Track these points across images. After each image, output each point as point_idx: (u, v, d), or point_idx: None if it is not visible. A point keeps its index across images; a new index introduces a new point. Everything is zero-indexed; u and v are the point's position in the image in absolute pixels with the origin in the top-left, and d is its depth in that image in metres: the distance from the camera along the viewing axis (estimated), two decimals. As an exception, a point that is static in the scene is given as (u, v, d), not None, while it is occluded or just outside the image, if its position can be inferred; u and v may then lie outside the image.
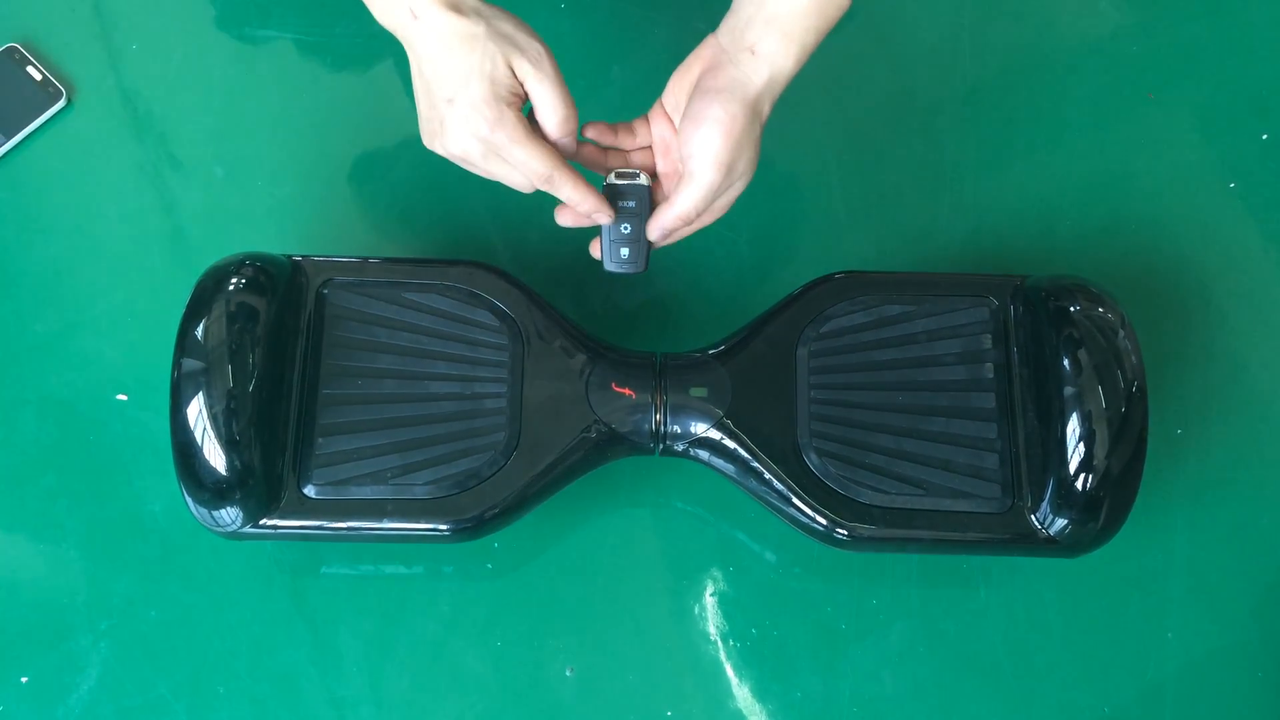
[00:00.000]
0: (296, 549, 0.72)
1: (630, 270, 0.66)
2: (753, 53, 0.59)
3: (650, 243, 0.65)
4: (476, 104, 0.57)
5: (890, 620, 0.71)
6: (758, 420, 0.66)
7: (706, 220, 0.64)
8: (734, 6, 0.61)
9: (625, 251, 0.65)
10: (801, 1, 0.58)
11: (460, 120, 0.58)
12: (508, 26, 0.58)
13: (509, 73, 0.57)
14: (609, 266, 0.66)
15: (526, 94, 0.59)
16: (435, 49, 0.57)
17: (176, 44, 0.82)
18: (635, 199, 0.64)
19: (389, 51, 0.83)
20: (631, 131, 0.65)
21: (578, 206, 0.62)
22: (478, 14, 0.57)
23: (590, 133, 0.65)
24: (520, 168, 0.59)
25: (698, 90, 0.61)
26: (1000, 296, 0.68)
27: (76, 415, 0.74)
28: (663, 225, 0.63)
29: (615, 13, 0.83)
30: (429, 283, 0.68)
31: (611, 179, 0.64)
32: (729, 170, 0.60)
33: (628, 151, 0.66)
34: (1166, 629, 0.71)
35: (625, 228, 0.65)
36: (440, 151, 0.61)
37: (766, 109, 0.60)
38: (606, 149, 0.65)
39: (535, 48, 0.58)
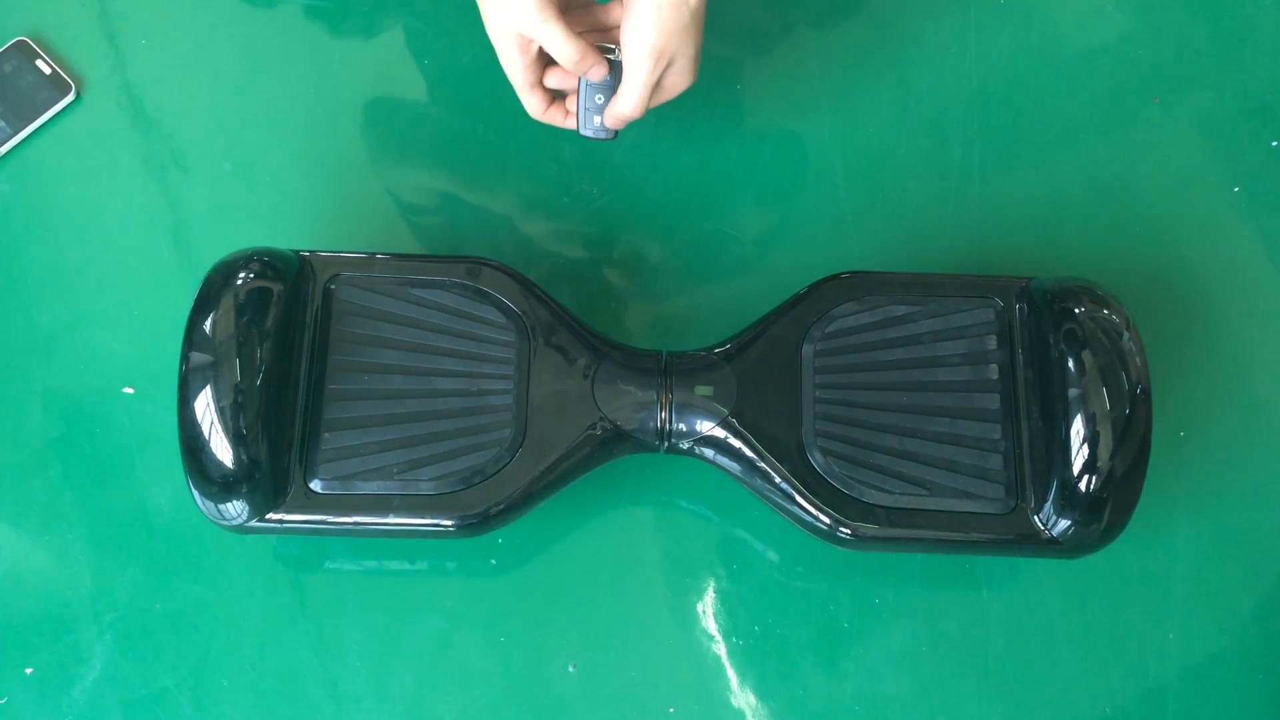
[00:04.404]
0: (301, 543, 0.72)
1: (603, 137, 0.72)
2: None
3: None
4: (497, 51, 0.69)
5: (893, 619, 0.71)
6: (763, 419, 0.66)
7: (655, 103, 0.70)
8: None
9: (598, 120, 0.71)
10: None
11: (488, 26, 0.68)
12: None
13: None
14: (583, 132, 0.71)
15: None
16: None
17: (185, 38, 0.82)
18: (612, 73, 0.68)
19: (399, 48, 0.83)
20: (608, 11, 0.70)
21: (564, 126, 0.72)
22: None
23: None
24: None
25: None
26: (1005, 298, 0.68)
27: (83, 408, 0.74)
28: (616, 116, 0.70)
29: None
30: (436, 279, 0.68)
31: None
32: (659, 57, 0.65)
33: (609, 29, 0.70)
34: (1168, 631, 0.72)
35: (599, 98, 0.70)
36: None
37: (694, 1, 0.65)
38: (582, 33, 0.70)
39: (529, 12, 0.64)
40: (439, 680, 0.70)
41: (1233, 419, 0.76)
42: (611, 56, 0.68)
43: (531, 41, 0.67)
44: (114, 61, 0.82)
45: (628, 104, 0.68)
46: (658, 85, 0.68)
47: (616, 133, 0.72)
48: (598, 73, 0.68)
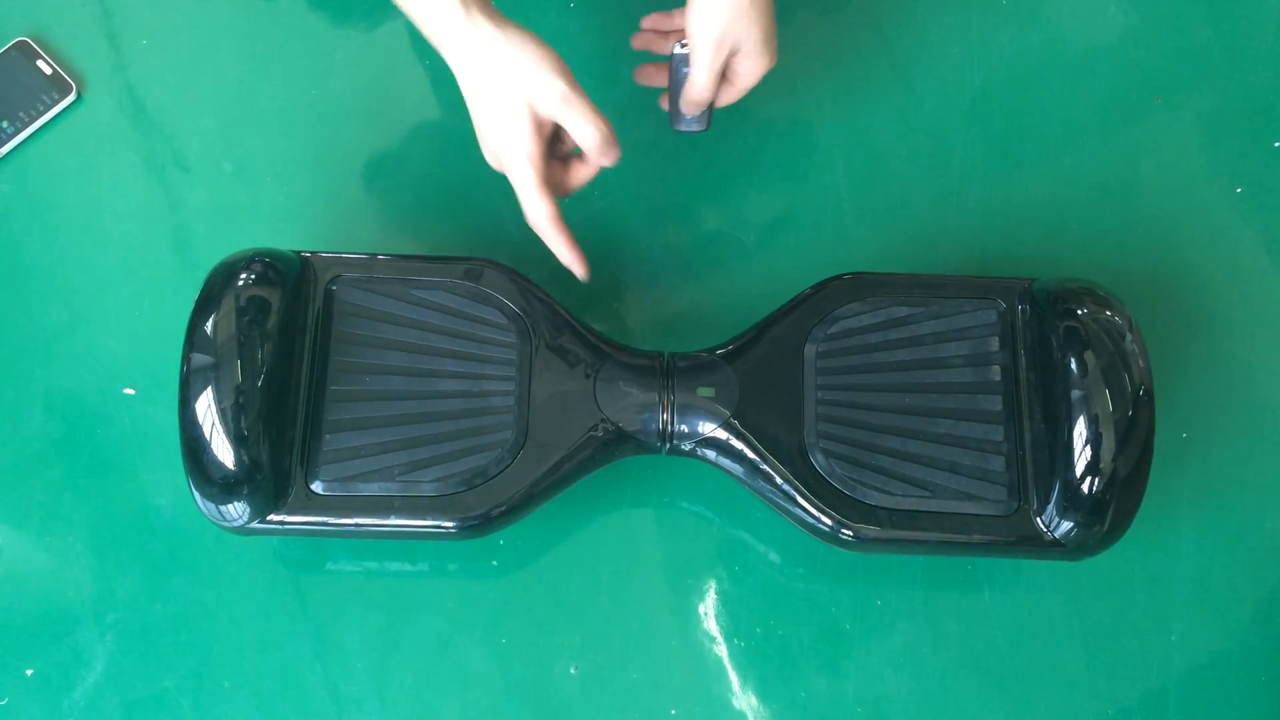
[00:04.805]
0: (302, 545, 0.72)
1: (695, 129, 0.73)
2: None
3: (711, 106, 0.71)
4: (498, 144, 0.64)
5: (894, 621, 0.71)
6: (765, 421, 0.66)
7: (738, 91, 0.70)
8: None
9: (687, 115, 0.72)
10: None
11: (485, 147, 0.66)
12: (525, 62, 0.62)
13: (533, 112, 0.63)
14: (676, 127, 0.73)
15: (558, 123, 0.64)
16: (468, 69, 0.62)
17: (186, 39, 0.82)
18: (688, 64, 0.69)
19: (401, 48, 0.83)
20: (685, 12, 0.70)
21: (559, 259, 0.68)
22: (501, 45, 0.61)
23: (647, 24, 0.76)
24: (522, 205, 0.66)
25: None
26: (1008, 299, 0.68)
27: (83, 409, 0.74)
28: (689, 102, 0.70)
29: (623, 13, 0.83)
30: (437, 280, 0.68)
31: (676, 49, 0.71)
32: (720, 44, 0.65)
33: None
34: (1170, 632, 0.71)
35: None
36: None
37: None
38: (667, 32, 0.74)
39: (555, 84, 0.62)
40: (440, 682, 0.70)
41: (1235, 420, 0.76)
42: (682, 50, 0.69)
43: (547, 124, 0.63)
44: (115, 62, 0.82)
45: (695, 88, 0.68)
46: (734, 73, 0.68)
47: (709, 122, 0.72)
48: (612, 157, 0.65)
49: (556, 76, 0.61)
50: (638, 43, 0.76)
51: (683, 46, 0.70)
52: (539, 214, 0.65)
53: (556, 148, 0.68)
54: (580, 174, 0.68)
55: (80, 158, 0.79)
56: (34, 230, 0.78)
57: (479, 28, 0.61)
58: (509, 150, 0.63)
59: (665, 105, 0.74)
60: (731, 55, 0.67)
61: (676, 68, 0.71)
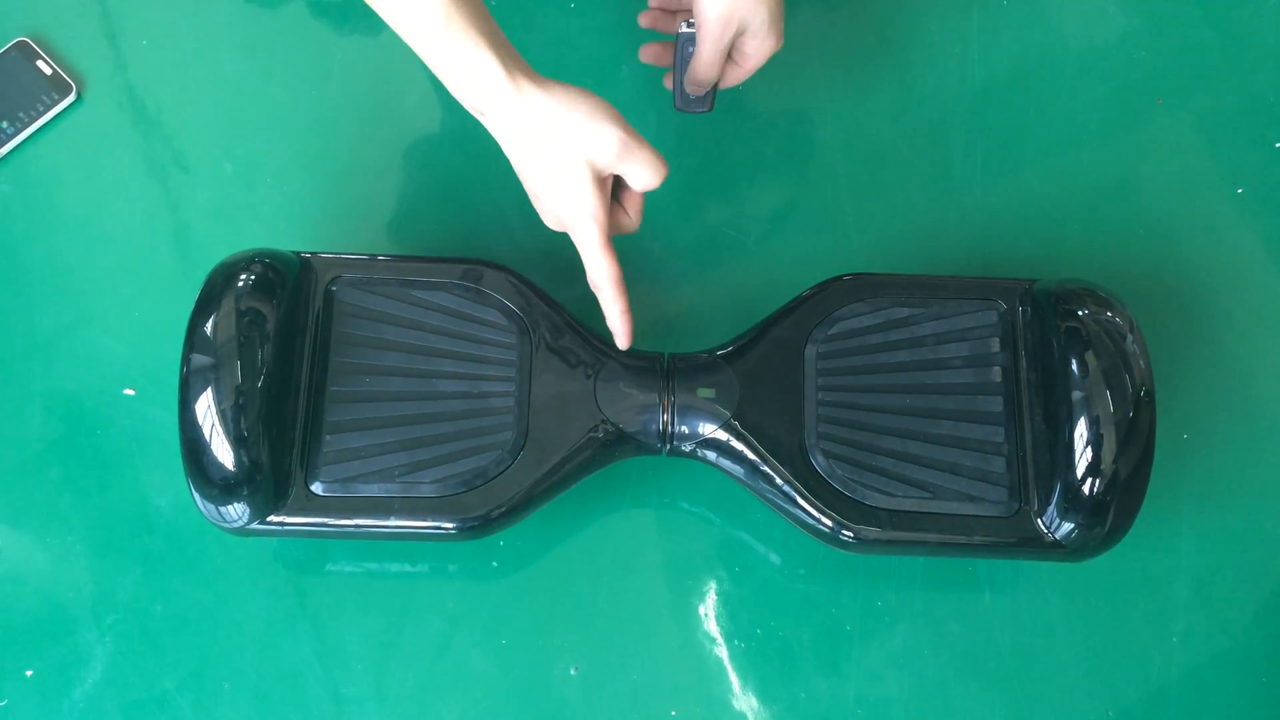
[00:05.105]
0: (302, 546, 0.72)
1: (699, 110, 0.74)
2: None
3: (715, 86, 0.72)
4: (559, 207, 0.63)
5: (895, 622, 0.71)
6: (765, 422, 0.66)
7: (744, 72, 0.70)
8: None
9: (688, 91, 0.73)
10: None
11: (544, 211, 0.65)
12: (579, 118, 0.60)
13: (593, 168, 0.61)
14: (679, 107, 0.74)
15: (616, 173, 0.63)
16: (518, 136, 0.61)
17: (187, 40, 0.82)
18: (693, 44, 0.69)
19: (401, 49, 0.83)
20: None
21: (608, 321, 0.66)
22: (555, 107, 0.60)
23: (655, 1, 0.76)
24: (587, 265, 0.64)
25: None
26: (1009, 300, 0.68)
27: (83, 410, 0.74)
28: (693, 82, 0.71)
29: (624, 13, 0.83)
30: (437, 281, 0.68)
31: (683, 27, 0.70)
32: (728, 23, 0.66)
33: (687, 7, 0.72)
34: (1171, 633, 0.71)
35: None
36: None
37: None
38: (675, 11, 0.74)
39: (613, 134, 0.60)
40: (440, 683, 0.70)
41: (1236, 421, 0.76)
42: (689, 29, 0.69)
43: (608, 179, 0.62)
44: (115, 62, 0.81)
45: (701, 67, 0.69)
46: (740, 53, 0.69)
47: (713, 103, 0.73)
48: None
49: (613, 125, 0.60)
50: (645, 20, 0.76)
51: (690, 25, 0.69)
52: (602, 274, 0.63)
53: None
54: (634, 204, 0.66)
55: (80, 158, 0.79)
56: (33, 230, 0.78)
57: (525, 94, 0.59)
58: (572, 211, 0.62)
59: (669, 84, 0.74)
60: (738, 35, 0.67)
61: (683, 46, 0.71)
